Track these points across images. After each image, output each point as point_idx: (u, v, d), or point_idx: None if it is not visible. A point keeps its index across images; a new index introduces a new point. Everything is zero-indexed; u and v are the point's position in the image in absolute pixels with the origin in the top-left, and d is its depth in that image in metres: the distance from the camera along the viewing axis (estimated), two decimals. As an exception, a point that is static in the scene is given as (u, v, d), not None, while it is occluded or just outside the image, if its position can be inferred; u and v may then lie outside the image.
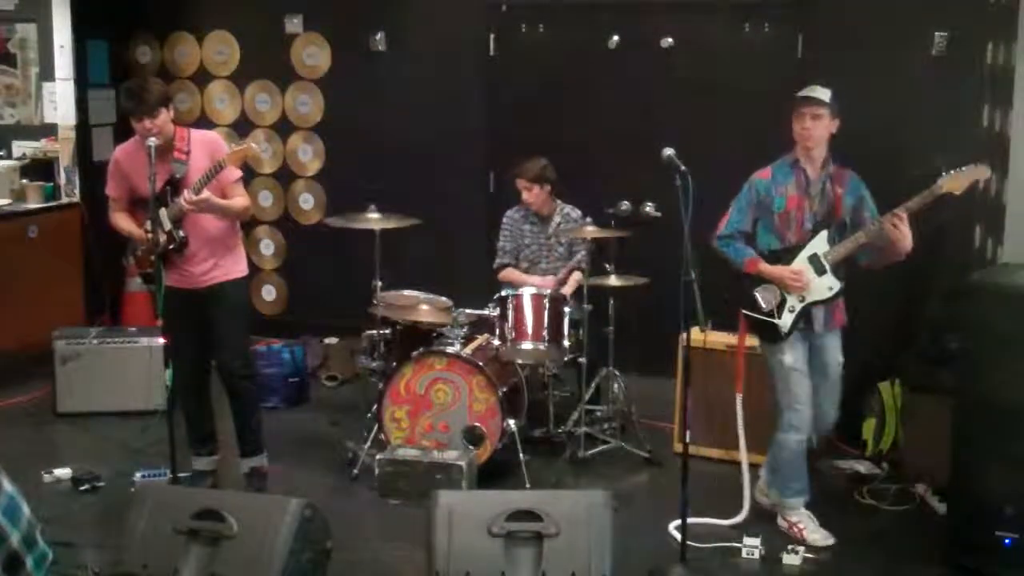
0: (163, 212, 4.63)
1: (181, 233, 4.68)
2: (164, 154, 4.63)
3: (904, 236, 4.25)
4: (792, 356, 4.47)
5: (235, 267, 4.89)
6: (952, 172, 4.19)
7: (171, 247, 4.68)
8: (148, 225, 4.57)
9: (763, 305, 4.48)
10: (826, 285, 4.41)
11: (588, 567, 3.38)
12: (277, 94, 7.46)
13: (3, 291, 6.57)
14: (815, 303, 4.44)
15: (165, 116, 4.62)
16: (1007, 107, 5.07)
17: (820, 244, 4.41)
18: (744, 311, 4.57)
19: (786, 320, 4.45)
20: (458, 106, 7.05)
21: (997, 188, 5.29)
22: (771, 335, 4.49)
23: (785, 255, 4.46)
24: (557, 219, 5.89)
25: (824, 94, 4.41)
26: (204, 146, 4.71)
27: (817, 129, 4.40)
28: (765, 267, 4.46)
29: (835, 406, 4.62)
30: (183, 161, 4.67)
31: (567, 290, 5.67)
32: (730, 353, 5.16)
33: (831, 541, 4.50)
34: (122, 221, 4.86)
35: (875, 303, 6.05)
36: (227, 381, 4.93)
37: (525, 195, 5.80)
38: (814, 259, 4.40)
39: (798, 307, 4.44)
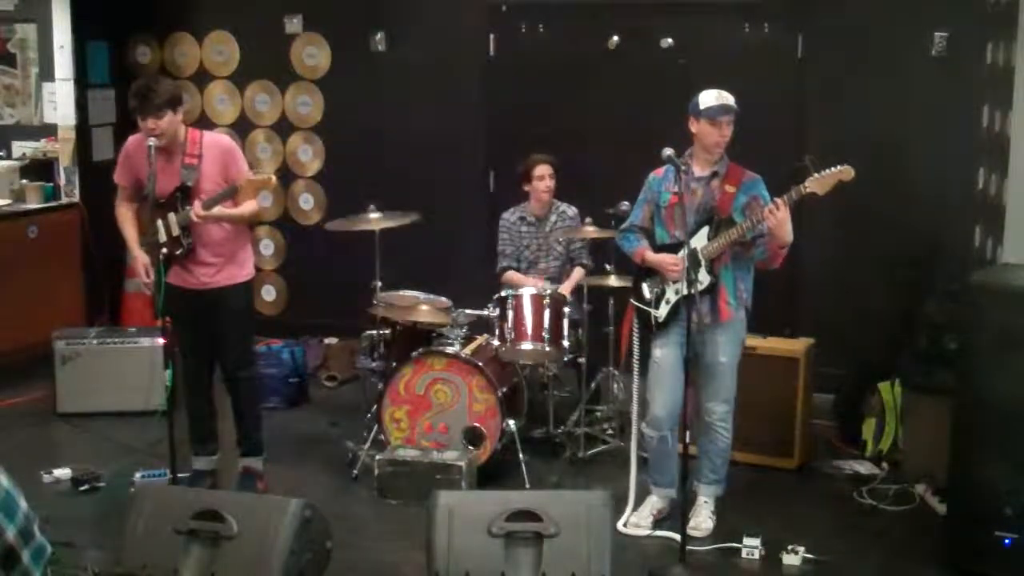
0: (172, 217, 4.58)
1: (189, 240, 4.62)
2: (173, 157, 4.58)
3: (780, 223, 4.21)
4: (662, 352, 4.55)
5: (240, 271, 4.84)
6: (817, 174, 4.19)
7: (178, 252, 4.62)
8: (143, 257, 4.61)
9: (646, 295, 4.60)
10: (698, 279, 4.42)
11: (588, 567, 3.37)
12: (277, 94, 7.46)
13: (3, 291, 6.57)
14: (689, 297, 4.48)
15: (170, 118, 4.52)
16: (1007, 107, 5.07)
17: (700, 239, 4.43)
18: (632, 300, 4.70)
19: (662, 311, 4.54)
20: (458, 106, 7.05)
21: (997, 188, 5.29)
22: (650, 325, 4.60)
23: (672, 249, 4.50)
24: (553, 218, 5.88)
25: (733, 100, 4.45)
26: (218, 153, 4.63)
27: (728, 134, 4.45)
28: (649, 255, 4.57)
29: (720, 401, 4.53)
30: (194, 167, 4.58)
31: (566, 289, 5.66)
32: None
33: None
34: (126, 224, 4.82)
35: (875, 303, 6.07)
36: (227, 381, 4.95)
37: (543, 183, 5.74)
38: (692, 253, 4.39)
39: (673, 299, 4.51)
